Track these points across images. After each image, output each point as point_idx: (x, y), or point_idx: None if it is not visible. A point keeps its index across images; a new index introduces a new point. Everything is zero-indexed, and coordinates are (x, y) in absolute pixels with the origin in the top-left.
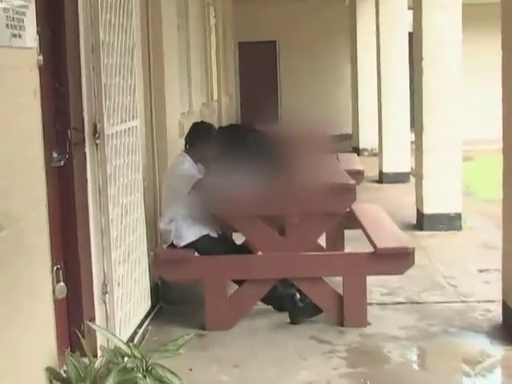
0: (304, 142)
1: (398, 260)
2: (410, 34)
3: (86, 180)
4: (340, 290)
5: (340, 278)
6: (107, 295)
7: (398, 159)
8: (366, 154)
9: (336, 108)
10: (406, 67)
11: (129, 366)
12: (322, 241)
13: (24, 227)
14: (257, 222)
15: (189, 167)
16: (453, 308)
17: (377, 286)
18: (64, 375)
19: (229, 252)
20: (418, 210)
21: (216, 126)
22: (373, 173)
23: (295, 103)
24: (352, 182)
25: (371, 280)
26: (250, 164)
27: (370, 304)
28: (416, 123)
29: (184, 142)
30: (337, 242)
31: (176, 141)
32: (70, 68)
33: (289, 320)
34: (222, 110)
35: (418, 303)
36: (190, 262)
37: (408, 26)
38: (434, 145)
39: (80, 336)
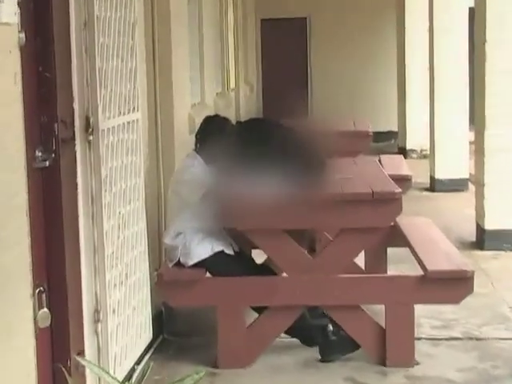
0: (339, 141)
1: (453, 286)
2: (471, 10)
3: (77, 185)
4: (382, 322)
5: (382, 307)
6: (100, 324)
7: (453, 163)
8: (414, 155)
9: (378, 100)
10: (465, 51)
11: None
12: (360, 261)
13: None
14: (281, 238)
15: (200, 170)
16: None
17: (427, 317)
18: None
19: (247, 273)
20: (477, 225)
21: (233, 120)
22: (423, 179)
23: (328, 94)
24: (397, 190)
25: (420, 310)
26: (274, 167)
27: (419, 339)
28: (476, 119)
29: (194, 140)
30: (378, 262)
31: (185, 138)
32: (58, 48)
33: (319, 357)
34: (241, 101)
35: (477, 339)
36: (201, 284)
37: (468, 0)
38: (498, 146)
39: (66, 373)
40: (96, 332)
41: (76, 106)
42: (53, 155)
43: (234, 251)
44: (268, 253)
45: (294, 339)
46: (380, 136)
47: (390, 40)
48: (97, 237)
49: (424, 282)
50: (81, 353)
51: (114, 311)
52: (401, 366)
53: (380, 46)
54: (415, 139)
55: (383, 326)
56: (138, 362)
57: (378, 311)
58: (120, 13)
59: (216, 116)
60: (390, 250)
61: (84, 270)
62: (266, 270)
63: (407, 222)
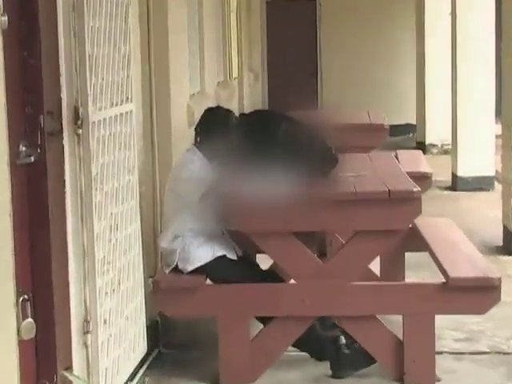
0: (351, 134)
1: (477, 294)
2: None
3: (64, 182)
4: (399, 334)
5: (399, 318)
6: (90, 336)
7: (478, 159)
8: (434, 151)
9: (395, 90)
10: (492, 35)
11: None
12: (376, 267)
13: None
14: (289, 241)
15: (200, 167)
16: None
17: (449, 328)
18: None
19: (251, 279)
20: (505, 228)
21: (237, 112)
22: (444, 177)
23: (340, 83)
24: (416, 188)
25: (442, 321)
26: (280, 164)
27: (440, 353)
28: (504, 111)
29: (194, 134)
30: (395, 268)
31: (183, 132)
32: (44, 32)
33: (330, 372)
34: (245, 91)
35: (505, 353)
36: (200, 292)
37: None
38: None
39: None
40: (85, 344)
41: (64, 95)
42: (38, 150)
43: (237, 256)
44: (274, 257)
45: (303, 353)
46: (397, 129)
47: (407, 24)
48: (86, 240)
49: (446, 290)
50: (69, 367)
51: (105, 321)
52: (420, 383)
53: (396, 31)
54: (435, 133)
55: (401, 338)
56: (131, 378)
57: (395, 322)
58: None
59: (218, 107)
60: (408, 255)
61: (72, 276)
62: (271, 276)
63: (427, 223)
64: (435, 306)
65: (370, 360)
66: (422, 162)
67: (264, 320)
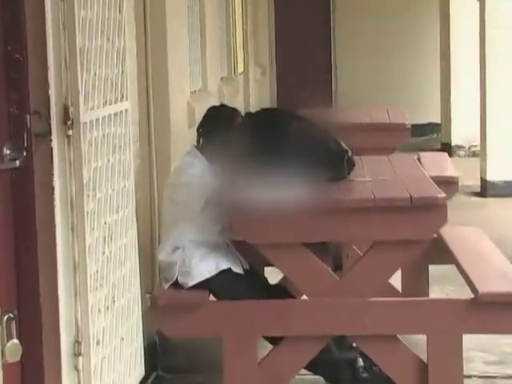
0: (369, 135)
1: (510, 312)
2: None
3: (53, 189)
4: (423, 356)
5: (423, 337)
6: (81, 358)
7: (509, 162)
8: (461, 153)
9: (417, 86)
10: None
11: None
12: (397, 281)
13: None
14: (301, 253)
15: (202, 171)
16: None
17: (479, 350)
18: None
19: (259, 295)
20: None
21: (242, 111)
22: (472, 181)
23: (357, 78)
24: (441, 194)
25: (470, 341)
26: (290, 168)
27: (469, 377)
28: None
29: (196, 135)
30: (418, 283)
31: (184, 133)
32: (30, 24)
33: None
34: (251, 87)
35: None
36: (203, 309)
37: None
38: None
39: None
40: (76, 368)
41: (52, 93)
42: (24, 153)
43: (244, 269)
44: (285, 271)
45: (317, 376)
46: (419, 129)
47: (431, 12)
48: (77, 252)
49: (474, 306)
50: None
51: (98, 342)
52: None
53: (419, 20)
54: (462, 133)
55: (425, 360)
56: None
57: (418, 342)
58: None
59: (221, 106)
60: (432, 268)
61: (62, 292)
62: (282, 291)
63: (453, 233)
64: (463, 325)
65: None
66: (447, 165)
67: (273, 340)
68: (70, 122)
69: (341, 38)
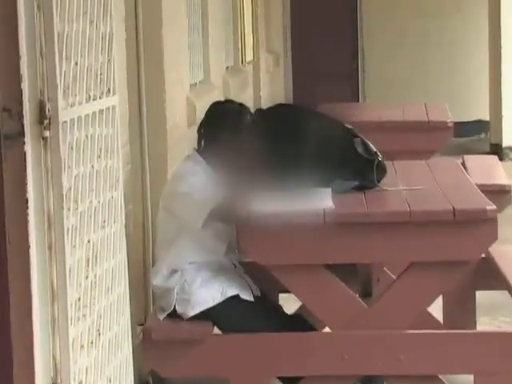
0: (404, 136)
1: None
2: None
3: (27, 201)
4: None
5: (470, 378)
6: None
7: None
8: None
9: (461, 78)
10: None
11: None
12: (437, 310)
13: None
14: (323, 276)
15: (204, 179)
16: None
17: None
18: None
19: (273, 327)
20: None
21: (252, 107)
22: None
23: (389, 69)
24: (490, 206)
25: None
26: (310, 174)
27: None
28: None
29: (197, 136)
30: (463, 312)
31: (182, 133)
32: (0, 6)
33: None
34: (262, 79)
35: None
36: (205, 344)
37: None
38: None
39: None
40: None
41: (25, 87)
42: None
43: (254, 296)
44: (303, 298)
45: None
46: (464, 128)
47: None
48: (56, 276)
49: None
50: None
51: None
52: None
53: (464, 4)
54: None
55: None
56: None
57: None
58: None
59: (227, 101)
60: (479, 294)
61: (37, 324)
62: (299, 322)
63: (504, 252)
64: None
65: None
66: (497, 172)
67: (289, 381)
68: (46, 122)
69: (369, 22)
